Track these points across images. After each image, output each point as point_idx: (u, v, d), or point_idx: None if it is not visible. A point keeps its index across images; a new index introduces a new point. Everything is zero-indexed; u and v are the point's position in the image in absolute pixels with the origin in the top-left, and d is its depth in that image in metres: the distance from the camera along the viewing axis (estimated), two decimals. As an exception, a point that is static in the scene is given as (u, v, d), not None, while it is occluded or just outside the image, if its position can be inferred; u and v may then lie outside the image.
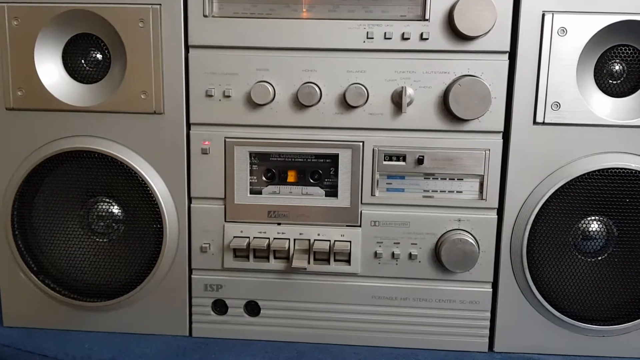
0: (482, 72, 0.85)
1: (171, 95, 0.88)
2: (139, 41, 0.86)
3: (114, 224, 0.95)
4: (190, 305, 0.94)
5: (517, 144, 0.86)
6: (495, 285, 0.90)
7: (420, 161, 0.87)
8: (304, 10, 0.91)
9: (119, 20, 0.86)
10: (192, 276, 0.93)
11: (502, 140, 0.86)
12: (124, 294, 0.93)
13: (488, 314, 0.91)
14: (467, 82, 0.83)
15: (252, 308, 0.95)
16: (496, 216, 0.88)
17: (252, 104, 0.86)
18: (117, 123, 0.89)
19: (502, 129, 0.85)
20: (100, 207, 0.95)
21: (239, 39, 0.86)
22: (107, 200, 0.95)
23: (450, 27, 0.83)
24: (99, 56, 0.92)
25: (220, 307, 0.95)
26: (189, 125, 0.89)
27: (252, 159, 0.90)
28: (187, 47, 0.87)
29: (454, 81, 0.83)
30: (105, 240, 0.95)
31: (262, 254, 0.91)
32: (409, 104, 0.84)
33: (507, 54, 0.85)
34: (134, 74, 0.87)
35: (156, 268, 0.92)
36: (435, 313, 0.91)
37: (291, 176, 0.90)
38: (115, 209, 0.95)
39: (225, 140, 0.88)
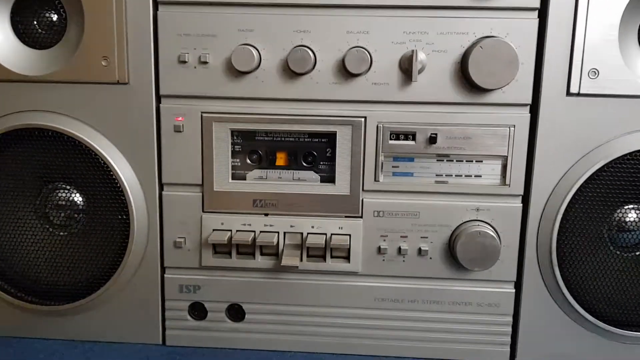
0: (507, 33, 0.76)
1: (137, 61, 0.80)
2: (98, -2, 0.76)
3: (75, 215, 0.87)
4: (164, 309, 0.87)
5: (547, 119, 0.78)
6: (518, 285, 0.83)
7: (432, 140, 0.79)
8: (295, -38, 0.80)
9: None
10: (165, 275, 0.86)
11: (529, 114, 0.78)
12: (86, 295, 0.86)
13: (510, 319, 0.84)
14: (490, 44, 0.74)
15: (236, 312, 0.87)
16: (521, 205, 0.81)
17: (234, 72, 0.78)
18: (74, 95, 0.81)
19: (529, 101, 0.78)
20: (58, 194, 0.86)
21: (217, -7, 0.77)
22: (67, 186, 0.86)
23: (471, -21, 0.76)
24: (54, 17, 0.83)
25: (198, 311, 0.88)
26: (158, 97, 0.81)
27: (235, 138, 0.82)
28: (155, 4, 0.79)
29: (474, 43, 0.75)
30: (64, 233, 0.87)
31: (247, 249, 0.84)
32: (420, 71, 0.76)
33: (537, 11, 0.76)
34: (93, 36, 0.79)
35: (122, 266, 0.85)
36: (449, 318, 0.84)
37: (280, 159, 0.83)
38: (77, 197, 0.86)
39: (202, 116, 0.80)
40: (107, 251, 0.85)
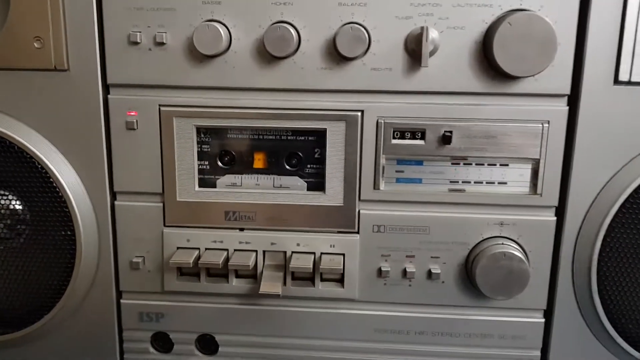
0: (541, 6, 0.67)
1: (78, 42, 0.71)
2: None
3: (17, 225, 0.77)
4: (121, 341, 0.81)
5: (589, 112, 0.69)
6: (548, 314, 0.76)
7: (446, 139, 0.70)
8: None
9: None
10: (122, 301, 0.80)
11: (567, 107, 0.70)
12: (29, 324, 0.79)
13: (538, 354, 0.77)
14: (521, 20, 0.64)
15: (207, 344, 0.81)
16: (555, 218, 0.73)
17: (197, 56, 0.69)
18: (3, 85, 0.73)
19: (568, 91, 0.69)
20: None
21: (174, -44, 0.68)
22: (4, 192, 0.77)
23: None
24: None
25: (163, 342, 0.81)
26: (106, 87, 0.73)
27: (201, 136, 0.74)
28: None
29: (501, 19, 0.65)
30: (2, 247, 0.78)
31: (219, 271, 0.76)
32: (431, 53, 0.67)
33: None
34: (21, 10, 0.70)
35: (69, 290, 0.77)
36: (464, 352, 0.77)
37: (258, 160, 0.75)
38: (17, 204, 0.77)
39: (160, 110, 0.72)
40: (52, 272, 0.77)
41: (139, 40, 0.68)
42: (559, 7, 0.65)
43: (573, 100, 0.69)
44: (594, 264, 0.70)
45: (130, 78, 0.71)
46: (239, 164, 0.74)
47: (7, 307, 0.78)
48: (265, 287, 0.71)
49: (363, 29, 0.65)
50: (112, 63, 0.70)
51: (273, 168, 0.73)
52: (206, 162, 0.74)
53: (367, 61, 0.68)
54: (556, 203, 0.72)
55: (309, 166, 0.73)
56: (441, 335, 0.76)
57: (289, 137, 0.73)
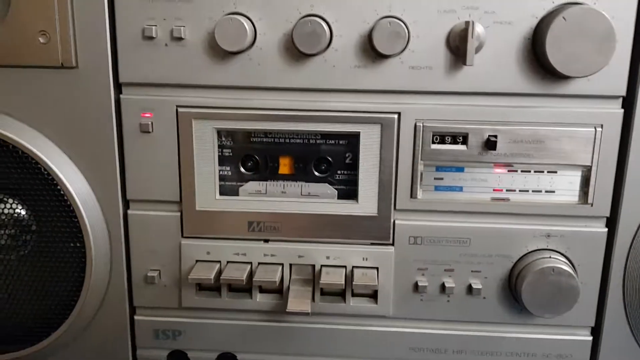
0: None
1: (87, 37, 0.67)
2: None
3: (23, 234, 0.73)
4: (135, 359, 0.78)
5: None
6: (596, 331, 0.73)
7: (490, 144, 0.65)
8: None
9: None
10: (136, 317, 0.76)
11: (622, 110, 0.66)
12: (36, 341, 0.75)
13: None
14: (577, 15, 0.60)
15: None
16: (606, 229, 0.69)
17: (219, 52, 0.65)
18: (4, 84, 0.69)
19: (624, 92, 0.65)
20: None
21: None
22: (9, 199, 0.72)
23: None
24: None
25: None
26: (118, 86, 0.69)
27: (222, 139, 0.70)
28: None
29: (553, 13, 0.60)
30: (10, 256, 0.74)
31: (242, 286, 0.72)
32: (476, 50, 0.62)
33: None
34: (25, 2, 0.66)
35: (79, 305, 0.73)
36: None
37: (284, 166, 0.71)
38: (23, 211, 0.72)
39: (177, 111, 0.69)
40: (60, 286, 0.73)
41: (154, 35, 0.65)
42: (617, 1, 0.60)
43: (629, 102, 0.65)
44: (648, 277, 0.66)
45: (144, 76, 0.67)
46: (264, 170, 0.70)
47: (12, 322, 0.75)
48: (293, 305, 0.67)
49: (402, 24, 0.61)
50: (124, 60, 0.67)
51: (300, 174, 0.69)
52: (228, 168, 0.70)
53: (405, 59, 0.64)
54: (608, 213, 0.68)
55: (339, 172, 0.69)
56: (481, 354, 0.72)
57: (317, 141, 0.69)
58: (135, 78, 0.67)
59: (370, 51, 0.63)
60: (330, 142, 0.68)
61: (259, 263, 0.71)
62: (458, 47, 0.62)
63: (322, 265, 0.70)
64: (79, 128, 0.69)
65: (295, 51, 0.64)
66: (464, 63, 0.61)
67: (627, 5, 0.61)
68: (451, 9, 0.62)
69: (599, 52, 0.59)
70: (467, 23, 0.60)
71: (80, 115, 0.68)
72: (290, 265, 0.71)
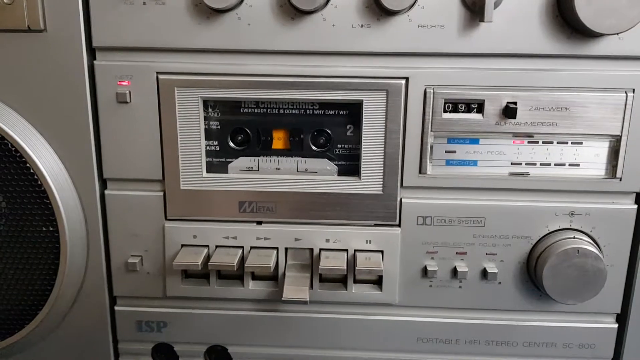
0: None
1: None
2: None
3: None
4: (117, 354, 0.74)
5: None
6: (622, 319, 0.69)
7: (510, 112, 0.60)
8: None
9: None
10: (117, 308, 0.72)
11: None
12: (8, 334, 0.72)
13: None
14: None
15: (218, 357, 0.73)
16: (635, 206, 0.65)
17: (204, 10, 0.60)
18: None
19: None
20: None
21: None
22: None
23: None
24: None
25: (166, 355, 0.74)
26: (91, 51, 0.64)
27: (210, 110, 0.65)
28: None
29: None
30: None
31: (232, 273, 0.68)
32: (495, 5, 0.57)
33: None
34: None
35: (54, 295, 0.69)
36: None
37: (278, 140, 0.66)
38: None
39: (158, 78, 0.63)
40: (33, 274, 0.69)
41: None
42: None
43: None
44: (680, 259, 0.61)
45: (120, 40, 0.62)
46: (256, 145, 0.65)
47: (-15, 313, 0.69)
48: (289, 293, 0.62)
49: None
50: (98, 21, 0.61)
51: (296, 149, 0.65)
52: (215, 143, 0.65)
53: (414, 16, 0.58)
54: (638, 189, 0.64)
55: (339, 146, 0.65)
56: (496, 344, 0.69)
57: (315, 112, 0.64)
58: (110, 42, 0.62)
59: (375, 7, 0.58)
60: (329, 112, 0.64)
61: (252, 247, 0.67)
62: (474, 1, 0.56)
63: (321, 249, 0.66)
64: (49, 99, 0.64)
65: (289, 8, 0.59)
66: (481, 20, 0.56)
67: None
68: (466, -42, 0.56)
69: (633, 4, 0.53)
70: (484, -26, 0.53)
71: (50, 85, 0.63)
72: (286, 249, 0.67)
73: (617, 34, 0.57)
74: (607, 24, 0.55)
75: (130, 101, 0.63)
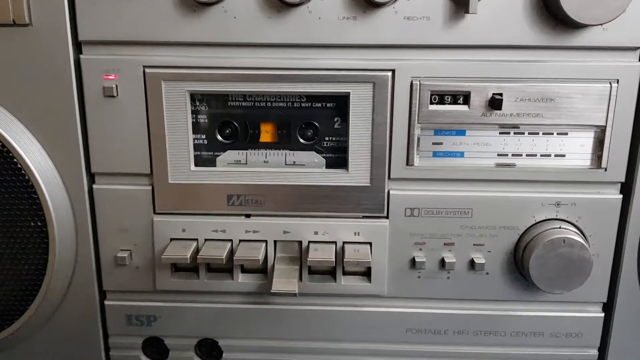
0: None
1: None
2: None
3: None
4: (107, 348, 0.73)
5: None
6: (608, 308, 0.69)
7: (495, 103, 0.60)
8: None
9: None
10: (106, 303, 0.72)
11: None
12: None
13: (595, 353, 0.70)
14: None
15: (209, 350, 0.73)
16: (620, 196, 0.65)
17: (190, 3, 0.60)
18: None
19: None
20: None
21: None
22: None
23: None
24: None
25: (156, 349, 0.73)
26: (77, 44, 0.63)
27: (197, 103, 0.65)
28: None
29: None
30: None
31: (221, 266, 0.68)
32: None
33: None
34: None
35: (43, 290, 0.68)
36: (510, 353, 0.70)
37: (266, 133, 0.65)
38: None
39: (144, 72, 0.63)
40: (21, 270, 0.68)
41: None
42: None
43: None
44: (665, 248, 0.61)
45: (107, 33, 0.61)
46: (243, 138, 0.65)
47: (-29, 310, 0.68)
48: (278, 286, 0.62)
49: None
50: (84, 15, 0.60)
51: (284, 142, 0.65)
52: (203, 136, 0.65)
53: (400, 8, 0.58)
54: (623, 179, 0.64)
55: (327, 139, 0.64)
56: (484, 334, 0.68)
57: (302, 104, 0.64)
58: (96, 35, 0.61)
59: (361, 0, 0.56)
60: (316, 105, 0.63)
61: (240, 240, 0.66)
62: None
63: (309, 242, 0.66)
64: (35, 93, 0.63)
65: (275, 1, 0.58)
66: (466, 11, 0.56)
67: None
68: (451, -50, 0.55)
69: None
70: (468, -34, 0.53)
71: (36, 79, 0.63)
72: (275, 242, 0.67)
73: (601, 24, 0.56)
74: (591, 15, 0.55)
75: (117, 95, 0.62)
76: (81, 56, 0.62)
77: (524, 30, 0.58)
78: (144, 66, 0.62)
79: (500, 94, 0.59)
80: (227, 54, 0.61)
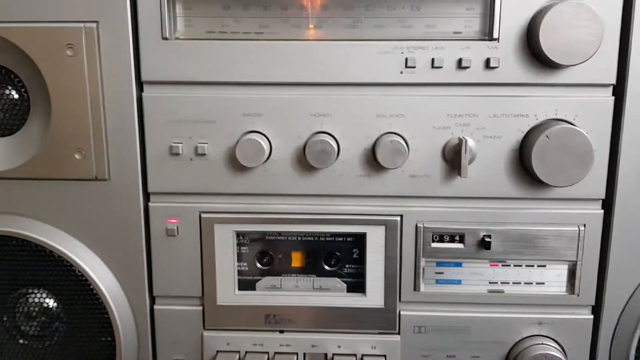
0: (575, 115, 0.66)
1: (119, 153, 0.69)
2: (67, 76, 0.66)
3: (51, 323, 0.76)
4: None
5: (624, 215, 0.68)
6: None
7: (485, 243, 0.69)
8: (311, 26, 0.66)
9: (37, 47, 0.66)
10: None
11: (602, 210, 0.69)
12: None
13: None
14: (558, 134, 0.63)
15: None
16: (591, 316, 0.72)
17: (238, 165, 0.67)
18: (42, 194, 0.71)
19: (603, 195, 0.69)
20: (30, 300, 0.75)
21: (217, 71, 0.67)
22: (39, 291, 0.75)
23: (530, 50, 0.64)
24: (14, 94, 0.70)
25: None
26: (146, 195, 0.71)
27: (241, 239, 0.73)
28: (139, 84, 0.68)
29: (537, 128, 0.66)
30: (41, 345, 0.76)
31: None
32: (470, 161, 0.66)
33: (612, 88, 0.66)
34: (63, 123, 0.68)
35: None
36: None
37: (296, 260, 0.73)
38: (51, 302, 0.75)
39: (200, 216, 0.71)
40: None
41: (180, 152, 0.67)
42: (593, 116, 0.65)
43: (607, 204, 0.68)
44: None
45: (171, 186, 0.69)
46: (278, 264, 0.72)
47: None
48: None
49: (402, 141, 0.64)
50: (153, 173, 0.69)
51: (311, 268, 0.72)
52: (245, 263, 0.72)
53: (406, 169, 0.67)
54: (593, 302, 0.70)
55: (347, 266, 0.72)
56: None
57: (327, 239, 0.71)
58: (162, 188, 0.69)
59: (374, 162, 0.66)
60: (338, 239, 0.71)
61: (275, 352, 0.72)
62: (453, 159, 0.66)
63: (333, 354, 0.72)
64: (111, 233, 0.70)
65: (306, 163, 0.66)
66: (459, 174, 0.64)
67: (603, 120, 0.65)
68: (445, 126, 0.66)
69: (579, 165, 0.62)
70: (460, 140, 0.64)
71: (112, 221, 0.70)
72: (305, 354, 0.72)
73: (566, 186, 0.64)
74: (559, 179, 0.63)
75: (178, 234, 0.70)
76: (150, 204, 0.70)
77: (506, 185, 0.67)
78: (200, 212, 0.69)
79: (489, 236, 0.68)
80: (266, 202, 0.69)
